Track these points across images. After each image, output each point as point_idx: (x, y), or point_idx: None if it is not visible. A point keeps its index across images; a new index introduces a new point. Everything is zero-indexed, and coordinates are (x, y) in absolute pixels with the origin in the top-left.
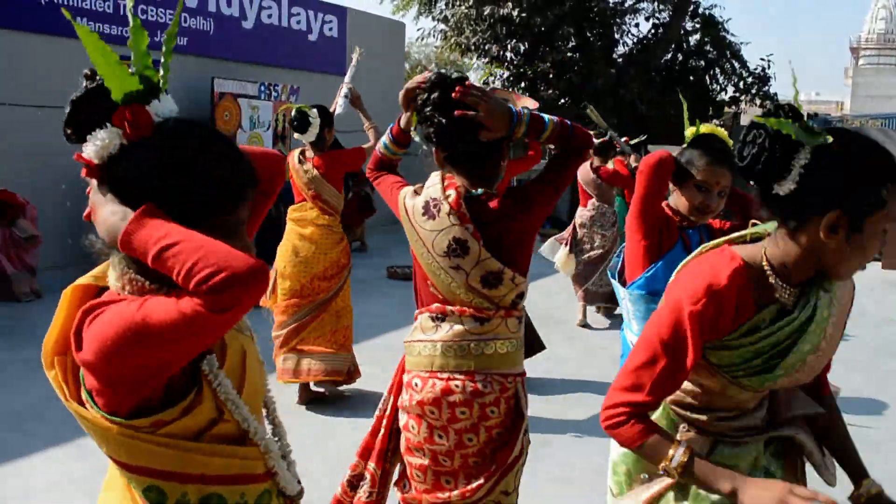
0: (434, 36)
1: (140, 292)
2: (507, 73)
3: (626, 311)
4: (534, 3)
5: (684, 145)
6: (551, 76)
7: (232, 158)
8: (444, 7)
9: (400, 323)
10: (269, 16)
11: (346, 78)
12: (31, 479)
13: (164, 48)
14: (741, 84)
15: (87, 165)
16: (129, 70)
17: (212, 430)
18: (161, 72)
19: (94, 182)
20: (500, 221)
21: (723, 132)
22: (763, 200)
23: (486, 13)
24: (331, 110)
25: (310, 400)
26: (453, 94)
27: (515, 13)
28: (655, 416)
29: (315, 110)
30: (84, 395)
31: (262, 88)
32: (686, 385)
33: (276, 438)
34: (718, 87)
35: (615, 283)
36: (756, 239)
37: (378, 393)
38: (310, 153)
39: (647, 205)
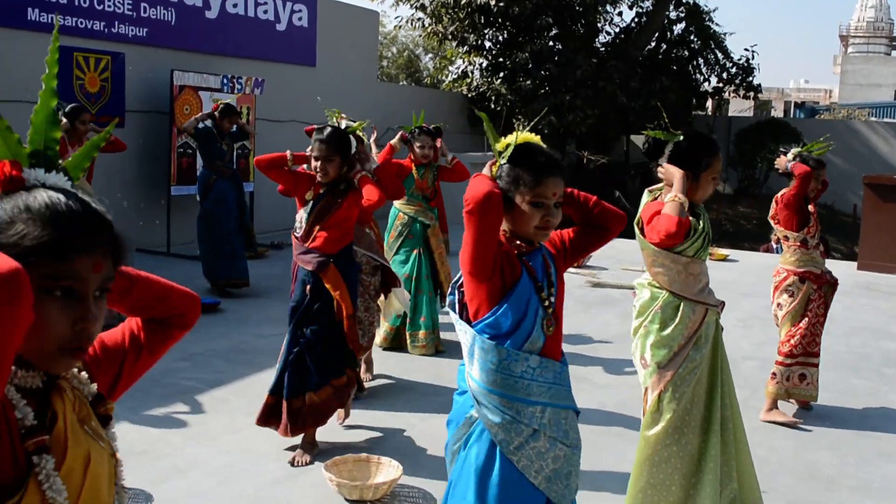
0: (412, 24)
1: None
2: (485, 63)
3: (471, 355)
4: None
5: (501, 161)
6: (530, 66)
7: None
8: None
9: None
10: (235, 5)
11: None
12: None
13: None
14: (724, 75)
15: None
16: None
17: None
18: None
19: None
20: None
21: (535, 137)
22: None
23: (463, 1)
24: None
25: None
26: None
27: (493, 1)
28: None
29: None
30: None
31: (225, 81)
32: None
33: None
34: (702, 78)
35: (457, 321)
36: None
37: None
38: None
39: (480, 245)
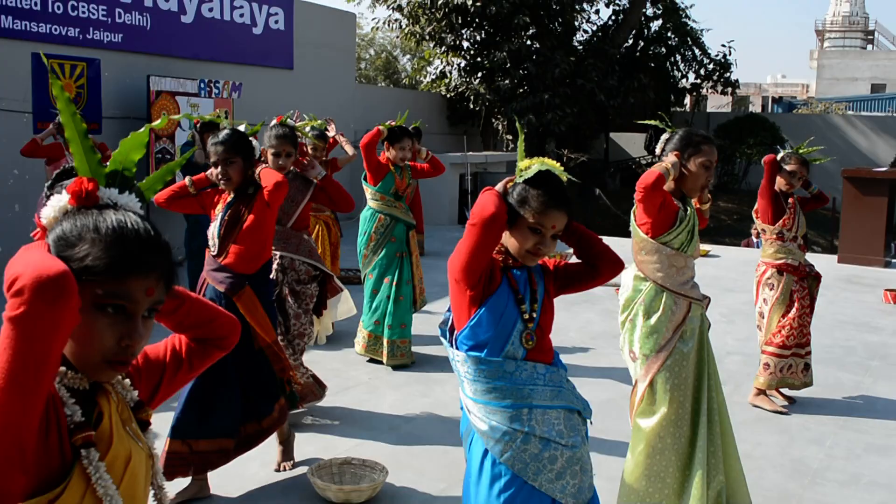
0: (389, 25)
1: None
2: (463, 63)
3: (458, 372)
4: None
5: (518, 179)
6: (508, 66)
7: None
8: None
9: None
10: (211, 9)
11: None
12: None
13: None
14: (702, 71)
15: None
16: (102, 162)
17: None
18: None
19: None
20: None
21: (559, 167)
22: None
23: (440, 2)
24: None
25: None
26: None
27: (470, 1)
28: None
29: None
30: None
31: (202, 85)
32: None
33: None
34: (680, 74)
35: (446, 344)
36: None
37: None
38: None
39: (475, 259)
